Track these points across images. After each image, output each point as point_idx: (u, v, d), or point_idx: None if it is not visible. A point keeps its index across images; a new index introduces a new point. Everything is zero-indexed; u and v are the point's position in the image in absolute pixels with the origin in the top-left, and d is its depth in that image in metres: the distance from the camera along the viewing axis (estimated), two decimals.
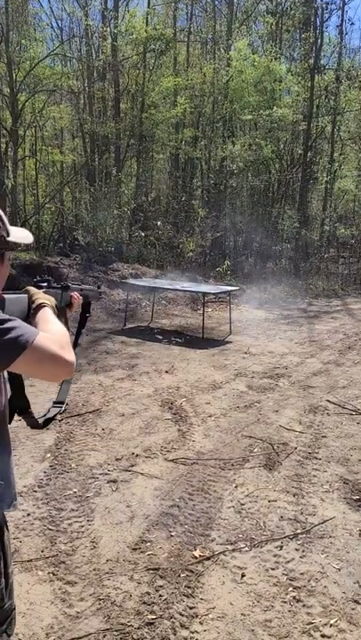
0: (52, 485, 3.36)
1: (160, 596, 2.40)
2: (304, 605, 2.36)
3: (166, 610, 2.30)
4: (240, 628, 2.23)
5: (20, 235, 1.42)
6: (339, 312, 11.03)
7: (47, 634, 2.17)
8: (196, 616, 2.28)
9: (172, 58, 15.69)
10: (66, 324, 1.56)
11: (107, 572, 2.55)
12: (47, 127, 16.68)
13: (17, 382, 1.43)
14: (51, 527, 2.91)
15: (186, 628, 2.21)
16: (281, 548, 2.78)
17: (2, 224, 1.31)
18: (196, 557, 2.68)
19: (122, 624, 2.22)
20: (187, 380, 5.80)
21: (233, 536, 2.87)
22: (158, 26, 14.84)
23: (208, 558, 2.67)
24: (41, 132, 16.17)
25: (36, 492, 3.29)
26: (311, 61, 15.33)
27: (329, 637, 2.18)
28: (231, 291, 9.56)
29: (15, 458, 3.66)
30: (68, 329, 1.55)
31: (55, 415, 1.53)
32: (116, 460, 3.78)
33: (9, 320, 1.19)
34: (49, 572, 2.54)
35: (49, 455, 3.79)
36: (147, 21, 14.56)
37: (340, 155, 17.60)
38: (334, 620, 2.27)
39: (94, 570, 2.57)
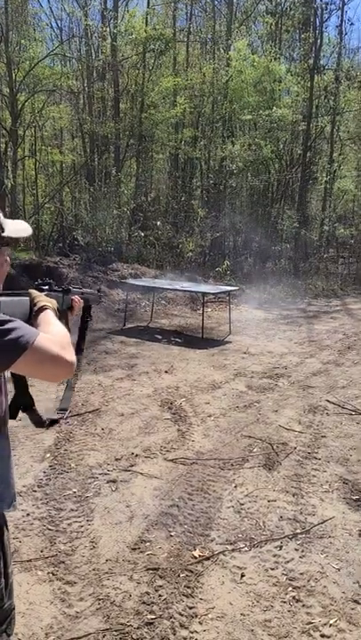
0: (52, 485, 3.36)
1: (159, 595, 2.40)
2: (304, 605, 2.36)
3: (166, 610, 2.30)
4: (240, 627, 2.23)
5: (19, 227, 1.41)
6: (338, 312, 11.03)
7: (47, 634, 2.17)
8: (196, 616, 2.28)
9: (171, 58, 15.69)
10: (67, 326, 1.57)
11: (106, 572, 2.55)
12: (47, 127, 16.68)
13: (21, 381, 1.44)
14: (50, 527, 2.91)
15: (185, 628, 2.21)
16: (280, 547, 2.78)
17: None
18: (195, 557, 2.68)
19: (121, 624, 2.22)
20: (186, 380, 5.80)
21: (232, 536, 2.87)
22: (158, 26, 14.83)
23: (208, 558, 2.67)
24: (40, 131, 16.17)
25: (35, 491, 3.29)
26: (311, 61, 15.34)
27: (328, 637, 2.18)
28: (231, 291, 9.56)
29: (15, 458, 3.65)
30: (70, 332, 1.56)
31: (59, 419, 1.56)
32: (116, 459, 3.77)
33: (9, 321, 1.19)
34: (48, 572, 2.54)
35: (48, 455, 3.79)
36: (146, 21, 14.55)
37: (340, 155, 17.60)
38: (334, 619, 2.27)
39: (94, 570, 2.57)
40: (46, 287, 1.51)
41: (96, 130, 14.37)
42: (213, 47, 16.78)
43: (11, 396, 1.46)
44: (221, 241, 15.11)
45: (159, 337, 8.01)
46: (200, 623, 2.24)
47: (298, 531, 2.92)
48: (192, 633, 2.19)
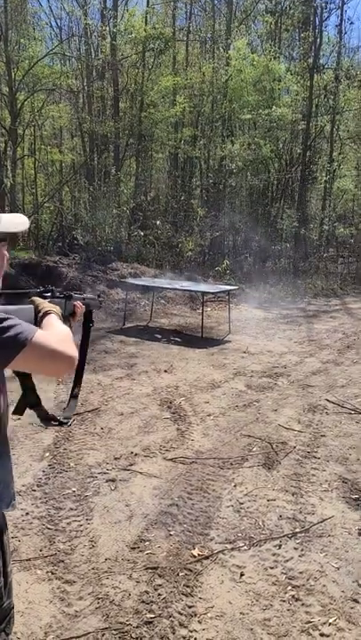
0: (51, 484, 3.36)
1: (159, 594, 2.39)
2: (303, 604, 2.36)
3: (165, 609, 2.30)
4: (239, 626, 2.23)
5: (16, 221, 1.41)
6: (338, 311, 11.03)
7: (46, 633, 2.17)
8: (195, 615, 2.28)
9: (171, 57, 15.67)
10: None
11: (105, 571, 2.55)
12: (46, 126, 16.68)
13: (28, 381, 1.46)
14: (49, 526, 2.91)
15: (185, 627, 2.21)
16: (280, 546, 2.78)
17: None
18: (194, 556, 2.68)
19: (120, 623, 2.22)
20: (186, 380, 5.80)
21: (232, 535, 2.87)
22: (157, 25, 14.83)
23: (207, 557, 2.67)
24: (40, 131, 16.17)
25: (34, 491, 3.28)
26: (310, 61, 15.33)
27: (328, 636, 2.18)
28: (230, 290, 9.56)
29: (14, 457, 3.65)
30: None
31: (61, 424, 1.60)
32: (115, 459, 3.77)
33: (7, 318, 1.20)
34: (48, 571, 2.54)
35: (48, 454, 3.79)
36: (146, 20, 14.55)
37: (340, 154, 17.59)
38: (333, 618, 2.27)
39: (93, 569, 2.57)
40: (49, 294, 1.54)
41: (95, 129, 14.37)
42: (213, 46, 16.77)
43: (12, 394, 1.46)
44: (221, 240, 15.10)
45: (159, 336, 8.01)
46: (199, 622, 2.24)
47: (297, 530, 2.92)
48: (191, 632, 2.19)
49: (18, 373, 1.43)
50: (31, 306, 1.45)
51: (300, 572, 2.57)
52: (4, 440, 1.41)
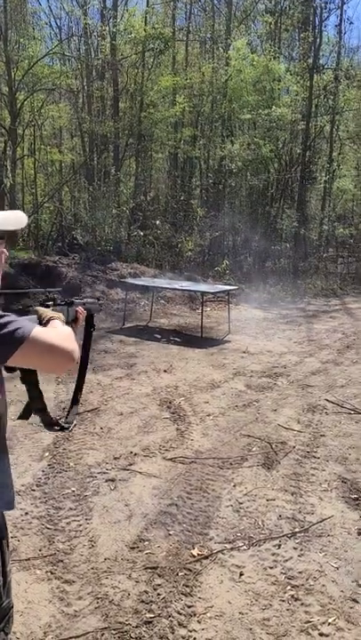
0: (51, 484, 3.36)
1: (158, 594, 2.39)
2: (302, 604, 2.36)
3: (164, 608, 2.30)
4: (238, 626, 2.23)
5: (10, 217, 1.40)
6: (337, 311, 11.04)
7: (45, 632, 2.17)
8: (195, 615, 2.28)
9: (170, 57, 15.67)
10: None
11: (105, 571, 2.55)
12: (46, 126, 16.67)
13: (35, 388, 1.48)
14: (49, 526, 2.91)
15: (184, 627, 2.21)
16: (279, 546, 2.78)
17: None
18: (194, 556, 2.68)
19: (120, 623, 2.22)
20: (185, 380, 5.80)
21: (231, 535, 2.87)
22: (157, 25, 14.82)
23: (206, 557, 2.67)
24: (40, 131, 16.17)
25: (34, 490, 3.28)
26: (310, 61, 15.32)
27: (327, 636, 2.18)
28: (230, 290, 9.56)
29: (13, 457, 3.66)
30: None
31: (63, 429, 1.64)
32: (115, 458, 3.77)
33: (4, 315, 1.21)
34: (47, 571, 2.54)
35: (47, 454, 3.79)
36: (145, 20, 14.54)
37: (339, 154, 17.59)
38: (332, 618, 2.27)
39: (92, 569, 2.57)
40: (51, 302, 1.56)
41: (95, 129, 14.36)
42: (213, 46, 16.77)
43: (14, 396, 1.45)
44: (221, 240, 15.10)
45: (158, 336, 8.01)
46: (199, 622, 2.24)
47: (297, 529, 2.92)
48: (191, 632, 2.19)
49: (24, 380, 1.45)
50: (35, 316, 1.47)
51: (300, 572, 2.57)
52: (1, 440, 1.41)
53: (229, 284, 11.03)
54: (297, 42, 17.22)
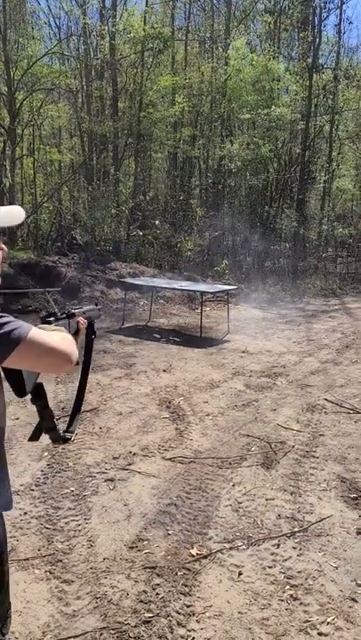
0: (50, 484, 3.36)
1: (157, 594, 2.39)
2: (301, 603, 2.36)
3: (163, 608, 2.30)
4: (237, 626, 2.22)
5: (7, 213, 1.39)
6: (337, 311, 11.03)
7: (44, 632, 2.16)
8: (193, 614, 2.28)
9: (170, 56, 15.68)
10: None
11: (104, 571, 2.55)
12: (45, 126, 16.67)
13: (46, 410, 1.50)
14: (48, 526, 2.90)
15: (183, 627, 2.21)
16: (278, 546, 2.78)
17: None
18: (193, 556, 2.67)
19: (119, 622, 2.21)
20: (184, 379, 5.80)
21: (230, 534, 2.87)
22: (156, 24, 14.83)
23: (205, 556, 2.67)
24: (39, 130, 16.16)
25: (33, 490, 3.28)
26: (309, 60, 15.33)
27: (326, 635, 2.18)
28: (229, 290, 9.56)
29: (12, 457, 3.66)
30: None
31: (66, 439, 1.66)
32: (114, 458, 3.77)
33: (2, 316, 1.20)
34: (46, 571, 2.54)
35: (46, 454, 3.78)
36: (145, 20, 14.55)
37: (339, 154, 17.60)
38: (331, 618, 2.27)
39: (91, 568, 2.57)
40: (52, 318, 1.56)
41: (94, 129, 14.36)
42: (212, 46, 16.77)
43: (21, 415, 1.45)
44: (220, 240, 15.10)
45: (157, 336, 8.01)
46: (197, 621, 2.24)
47: (296, 529, 2.92)
48: (189, 631, 2.18)
49: (35, 401, 1.45)
50: None
51: (299, 572, 2.57)
52: (0, 442, 1.41)
53: (229, 284, 11.03)
54: (296, 41, 17.23)
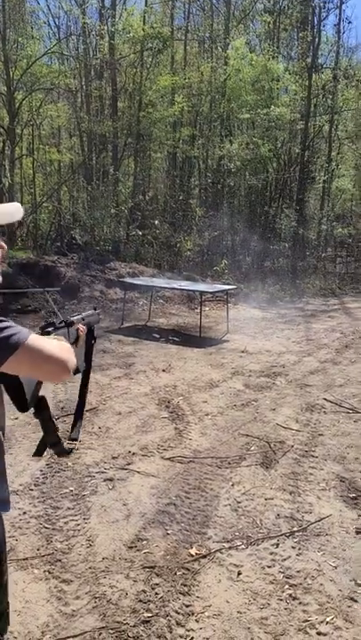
0: (49, 484, 3.36)
1: (156, 594, 2.39)
2: (300, 603, 2.36)
3: (162, 608, 2.30)
4: (236, 625, 2.22)
5: (5, 210, 1.37)
6: (336, 311, 11.04)
7: (43, 632, 2.16)
8: (192, 614, 2.28)
9: (169, 56, 15.67)
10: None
11: (103, 571, 2.55)
12: (44, 126, 16.65)
13: (50, 424, 1.48)
14: (47, 525, 2.90)
15: (182, 626, 2.20)
16: (277, 545, 2.78)
17: None
18: (192, 555, 2.67)
19: (118, 622, 2.21)
20: (184, 379, 5.79)
21: (229, 534, 2.87)
22: (155, 24, 14.83)
23: (204, 556, 2.67)
24: (38, 130, 16.15)
25: (32, 490, 3.28)
26: (309, 60, 15.34)
27: (325, 635, 2.18)
28: (228, 290, 9.56)
29: (11, 456, 3.66)
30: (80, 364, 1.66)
31: (71, 450, 1.65)
32: (113, 458, 3.77)
33: (2, 320, 1.19)
34: (45, 571, 2.54)
35: (45, 453, 3.77)
36: (144, 20, 14.54)
37: (338, 154, 17.61)
38: (330, 617, 2.27)
39: (90, 568, 2.56)
40: (51, 328, 1.54)
41: (94, 128, 14.36)
42: (211, 46, 16.78)
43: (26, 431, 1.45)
44: (219, 240, 15.11)
45: (157, 336, 8.01)
46: (196, 621, 2.24)
47: (295, 529, 2.92)
48: (188, 631, 2.18)
49: (38, 415, 1.44)
50: None
51: (298, 571, 2.57)
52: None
53: (228, 284, 11.03)
54: (296, 41, 17.23)
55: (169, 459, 3.77)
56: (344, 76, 16.05)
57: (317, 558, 2.67)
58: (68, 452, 1.61)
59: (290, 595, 2.41)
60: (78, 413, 1.78)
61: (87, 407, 4.76)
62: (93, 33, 15.05)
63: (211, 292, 9.38)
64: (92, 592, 2.40)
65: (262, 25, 16.53)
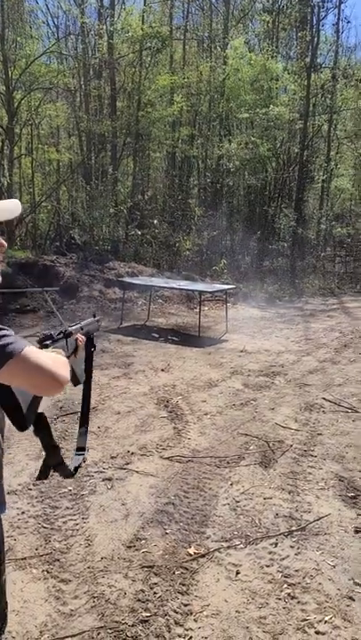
0: (47, 483, 3.35)
1: (154, 593, 2.39)
2: (299, 602, 2.35)
3: (161, 607, 2.30)
4: (234, 625, 2.22)
5: (3, 207, 1.36)
6: (335, 310, 11.04)
7: (41, 632, 2.16)
8: (191, 613, 2.28)
9: (168, 56, 15.67)
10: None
11: (101, 570, 2.54)
12: (43, 125, 16.64)
13: (51, 444, 1.48)
14: (45, 525, 2.90)
15: (180, 626, 2.20)
16: (276, 545, 2.77)
17: None
18: (190, 555, 2.67)
19: (116, 622, 2.21)
20: (183, 379, 5.79)
21: (228, 533, 2.87)
22: (154, 24, 14.83)
23: (203, 555, 2.67)
24: (37, 130, 16.14)
25: (30, 490, 3.28)
26: (308, 60, 15.35)
27: (323, 634, 2.18)
28: (227, 289, 9.56)
29: (10, 456, 3.65)
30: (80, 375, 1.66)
31: (81, 463, 1.65)
32: (112, 457, 3.77)
33: (1, 329, 1.19)
34: (43, 570, 2.53)
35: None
36: (143, 19, 14.53)
37: (337, 153, 17.62)
38: (329, 616, 2.27)
39: (89, 568, 2.56)
40: (49, 341, 1.52)
41: (93, 128, 14.35)
42: (210, 45, 16.78)
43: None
44: (218, 239, 15.11)
45: (156, 335, 8.01)
46: (195, 620, 2.24)
47: (293, 528, 2.92)
48: (187, 630, 2.18)
49: (37, 433, 1.41)
50: None
51: (296, 571, 2.57)
52: None
53: (227, 284, 11.03)
54: (295, 41, 17.23)
55: (168, 458, 3.77)
56: (343, 75, 16.07)
57: (316, 557, 2.67)
58: (72, 474, 1.59)
59: (288, 594, 2.41)
60: (83, 422, 1.76)
61: None
62: (92, 32, 15.05)
63: (210, 292, 9.38)
64: (91, 592, 2.40)
65: (261, 24, 16.53)
